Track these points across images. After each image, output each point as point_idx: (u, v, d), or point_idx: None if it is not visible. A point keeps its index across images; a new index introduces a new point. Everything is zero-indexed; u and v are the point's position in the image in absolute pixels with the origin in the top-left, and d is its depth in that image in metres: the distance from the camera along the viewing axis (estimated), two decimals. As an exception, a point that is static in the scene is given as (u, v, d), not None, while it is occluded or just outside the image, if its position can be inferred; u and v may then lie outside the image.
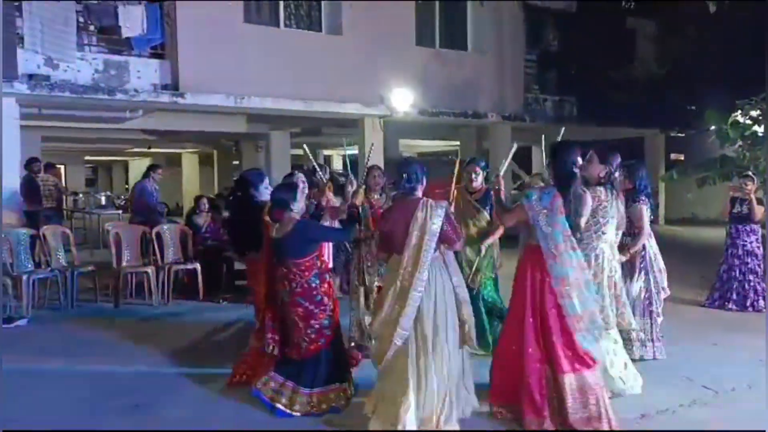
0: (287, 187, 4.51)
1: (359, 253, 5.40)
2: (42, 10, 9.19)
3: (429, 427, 3.75)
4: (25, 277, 7.09)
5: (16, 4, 9.02)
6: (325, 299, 4.29)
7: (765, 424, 3.90)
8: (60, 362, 5.43)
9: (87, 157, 27.34)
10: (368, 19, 11.99)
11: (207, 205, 9.00)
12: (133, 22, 10.10)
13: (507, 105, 14.22)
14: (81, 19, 9.91)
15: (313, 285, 4.23)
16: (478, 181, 5.59)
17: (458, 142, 18.00)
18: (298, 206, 4.41)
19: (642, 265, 5.37)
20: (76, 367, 5.29)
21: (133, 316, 7.26)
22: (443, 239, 3.92)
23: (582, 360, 3.86)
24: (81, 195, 18.66)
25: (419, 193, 4.07)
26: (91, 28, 10.17)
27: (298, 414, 4.15)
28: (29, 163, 10.04)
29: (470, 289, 4.84)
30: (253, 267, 5.05)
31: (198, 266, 8.04)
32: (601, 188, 4.67)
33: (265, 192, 4.93)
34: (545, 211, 3.94)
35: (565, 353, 3.85)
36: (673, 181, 14.30)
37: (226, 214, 8.09)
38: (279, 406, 4.18)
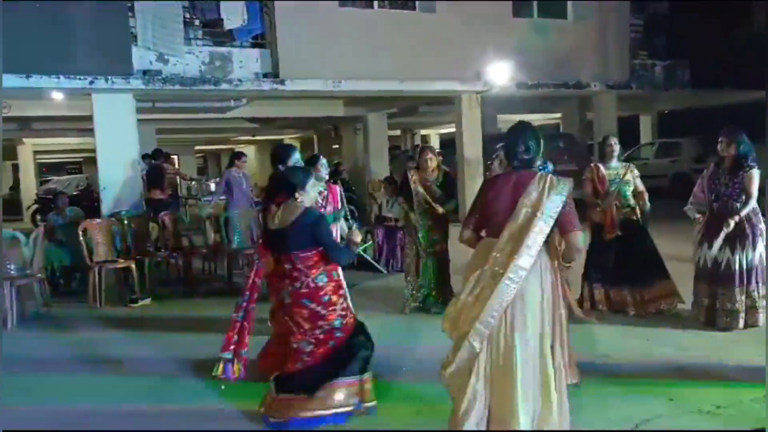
0: (299, 171, 3.91)
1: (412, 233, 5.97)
2: (152, 9, 9.72)
3: None
4: (147, 260, 7.65)
5: (129, 5, 9.60)
6: (334, 298, 3.67)
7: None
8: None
9: (197, 147, 28.83)
10: (463, -7, 11.78)
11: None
12: (234, 14, 10.49)
13: (611, 73, 13.56)
14: (187, 15, 10.40)
15: (320, 284, 3.62)
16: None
17: (559, 115, 17.44)
18: (307, 197, 3.69)
19: (758, 232, 5.12)
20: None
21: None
22: (560, 223, 3.07)
23: None
24: (193, 183, 19.73)
25: (535, 166, 3.26)
26: (197, 22, 10.65)
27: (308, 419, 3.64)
28: (155, 154, 10.66)
29: None
30: None
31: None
32: None
33: (320, 175, 4.88)
34: None
35: None
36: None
37: None
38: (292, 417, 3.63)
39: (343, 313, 3.71)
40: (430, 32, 11.62)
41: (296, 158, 4.77)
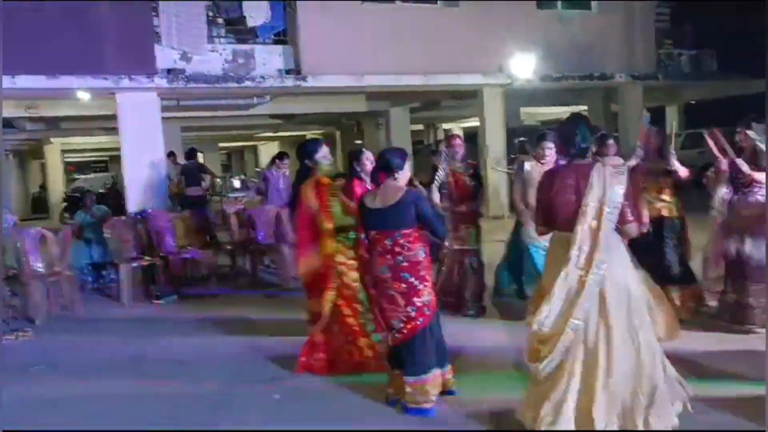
0: (398, 152, 4.07)
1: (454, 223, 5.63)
2: (176, 8, 9.80)
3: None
4: (171, 257, 7.71)
5: (153, 4, 9.69)
6: (427, 274, 3.92)
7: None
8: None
9: (221, 144, 29.04)
10: (485, -14, 11.68)
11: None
12: (257, 12, 10.54)
13: (637, 63, 13.37)
14: (210, 13, 10.46)
15: (421, 258, 3.86)
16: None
17: (585, 107, 17.22)
18: (404, 176, 3.93)
19: None
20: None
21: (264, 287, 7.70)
22: (619, 214, 3.24)
23: None
24: (218, 179, 19.90)
25: (589, 157, 3.42)
26: (220, 20, 10.71)
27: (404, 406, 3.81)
28: (191, 153, 10.68)
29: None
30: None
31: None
32: None
33: (323, 162, 4.73)
34: None
35: None
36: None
37: None
38: (408, 404, 3.82)
39: (431, 290, 3.92)
40: (452, 26, 11.55)
41: (324, 152, 4.75)
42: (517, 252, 5.77)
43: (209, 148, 26.63)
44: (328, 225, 4.48)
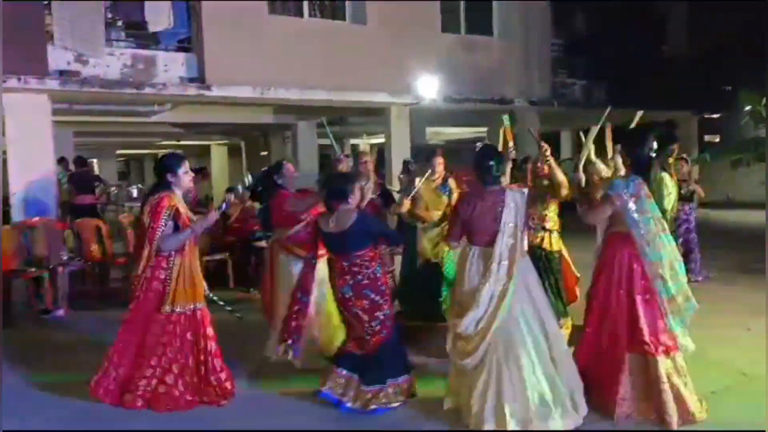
0: (345, 177, 4.45)
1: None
2: (70, 8, 9.33)
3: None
4: (60, 269, 7.27)
5: (45, 3, 9.18)
6: (386, 288, 4.25)
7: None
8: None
9: (118, 151, 27.80)
10: (392, 6, 11.92)
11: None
12: (159, 16, 10.20)
13: (534, 90, 14.05)
14: (109, 15, 10.04)
15: (378, 275, 4.18)
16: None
17: (486, 129, 17.87)
18: (355, 198, 4.29)
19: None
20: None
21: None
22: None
23: (668, 344, 3.88)
24: (114, 188, 19.01)
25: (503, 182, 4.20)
26: (119, 23, 10.30)
27: (361, 408, 4.13)
28: (79, 161, 10.20)
29: (435, 263, 5.50)
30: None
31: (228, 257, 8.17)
32: None
33: (184, 177, 4.43)
34: (634, 198, 3.91)
35: (654, 337, 3.86)
36: (706, 163, 14.01)
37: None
38: (346, 402, 4.16)
39: (390, 303, 4.28)
40: (360, 43, 11.69)
41: (187, 167, 4.45)
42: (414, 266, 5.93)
43: (106, 155, 25.44)
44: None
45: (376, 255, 4.21)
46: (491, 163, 4.00)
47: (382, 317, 4.15)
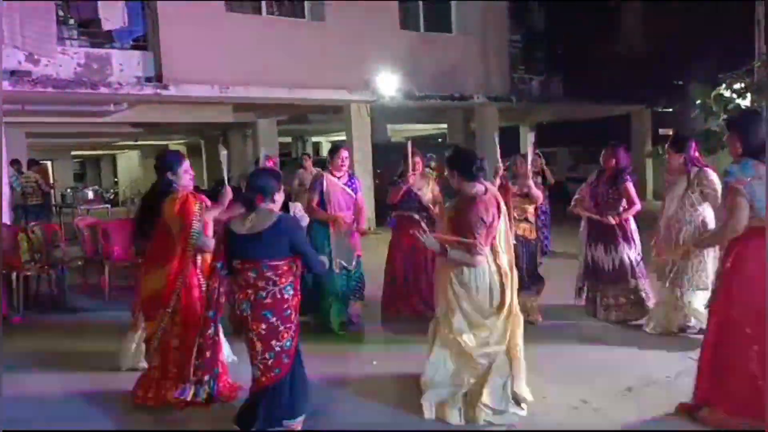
0: (271, 174, 3.81)
1: None
2: (20, 5, 9.09)
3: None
4: (14, 274, 7.08)
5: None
6: (293, 315, 3.51)
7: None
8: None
9: (74, 152, 27.19)
10: (351, 4, 11.93)
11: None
12: (113, 14, 10.01)
13: (493, 86, 14.22)
14: (61, 13, 9.81)
15: (287, 296, 3.46)
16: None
17: (446, 125, 18.03)
18: (280, 199, 3.66)
19: (629, 236, 5.72)
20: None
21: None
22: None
23: None
24: (69, 190, 18.56)
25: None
26: (71, 21, 10.08)
27: None
28: (10, 163, 9.99)
29: (348, 270, 5.60)
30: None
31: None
32: None
33: (184, 176, 4.31)
34: (758, 179, 3.40)
35: None
36: (658, 157, 14.38)
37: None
38: None
39: (294, 334, 3.52)
40: (319, 41, 11.67)
41: (186, 165, 4.38)
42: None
43: (60, 156, 24.88)
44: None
45: (290, 271, 3.48)
46: (473, 162, 3.86)
47: (278, 349, 3.44)
